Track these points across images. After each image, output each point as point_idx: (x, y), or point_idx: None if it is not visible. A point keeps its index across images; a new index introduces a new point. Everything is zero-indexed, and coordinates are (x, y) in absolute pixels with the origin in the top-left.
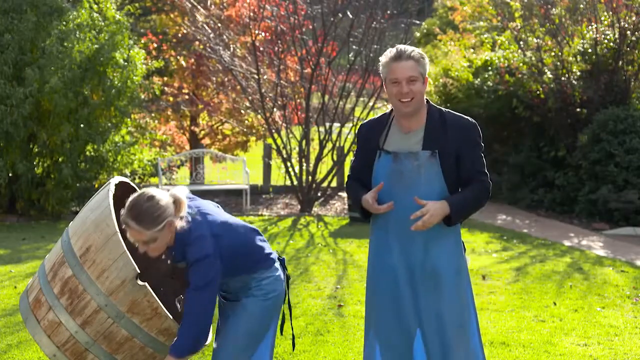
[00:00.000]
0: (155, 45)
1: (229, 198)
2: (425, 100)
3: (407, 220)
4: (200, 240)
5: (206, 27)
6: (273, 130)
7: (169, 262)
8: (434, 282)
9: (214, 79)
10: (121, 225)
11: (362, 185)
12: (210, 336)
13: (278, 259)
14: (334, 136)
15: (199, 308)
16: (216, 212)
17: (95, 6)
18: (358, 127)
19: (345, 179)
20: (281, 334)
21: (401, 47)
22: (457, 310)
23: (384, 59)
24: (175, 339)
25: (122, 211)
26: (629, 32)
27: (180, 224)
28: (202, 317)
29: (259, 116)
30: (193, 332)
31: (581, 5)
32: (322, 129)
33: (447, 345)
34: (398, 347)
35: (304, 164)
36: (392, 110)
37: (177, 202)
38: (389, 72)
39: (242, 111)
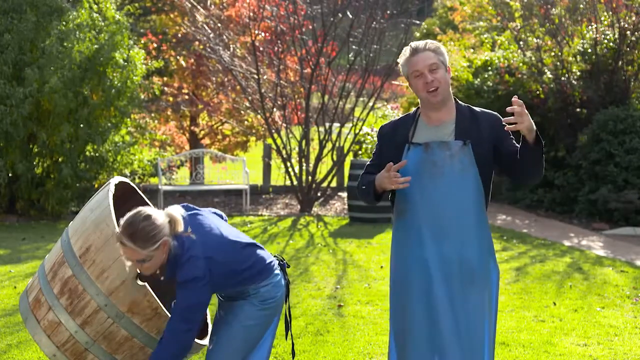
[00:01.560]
0: (155, 45)
1: (229, 198)
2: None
3: (438, 210)
4: (192, 262)
5: (206, 27)
6: (273, 130)
7: (162, 278)
8: (470, 277)
9: (214, 79)
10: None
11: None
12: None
13: (279, 263)
14: (334, 136)
15: (170, 334)
16: (215, 226)
17: (95, 6)
18: (378, 128)
19: (346, 179)
20: (285, 339)
21: (416, 42)
22: (483, 313)
23: (402, 58)
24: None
25: (118, 228)
26: (628, 32)
27: (174, 243)
28: (171, 344)
29: (259, 116)
30: (162, 356)
31: (581, 5)
32: (322, 129)
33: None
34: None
35: (304, 164)
36: (417, 108)
37: (172, 222)
38: (410, 67)
39: (242, 111)
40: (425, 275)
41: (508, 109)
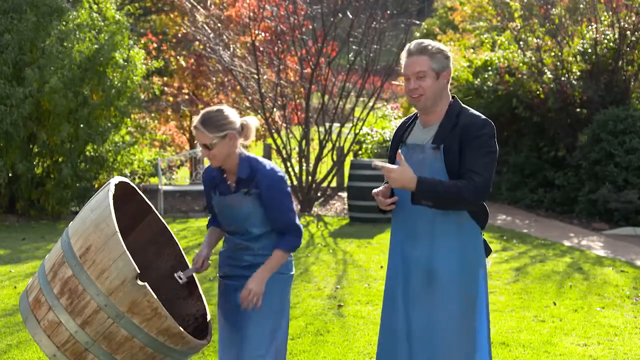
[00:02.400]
0: (155, 45)
1: None
2: (452, 97)
3: (410, 213)
4: (275, 166)
5: (206, 27)
6: (273, 131)
7: (230, 183)
8: (427, 280)
9: (214, 79)
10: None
11: None
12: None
13: None
14: (334, 136)
15: (295, 229)
16: None
17: (95, 6)
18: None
19: (346, 179)
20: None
21: (416, 42)
22: (453, 317)
23: (402, 55)
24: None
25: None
26: (628, 32)
27: (244, 150)
28: (298, 238)
29: (259, 116)
30: (295, 243)
31: (581, 5)
32: (322, 129)
33: (435, 355)
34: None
35: (304, 164)
36: None
37: (245, 127)
38: (402, 68)
39: (242, 111)
40: (396, 276)
41: (373, 164)
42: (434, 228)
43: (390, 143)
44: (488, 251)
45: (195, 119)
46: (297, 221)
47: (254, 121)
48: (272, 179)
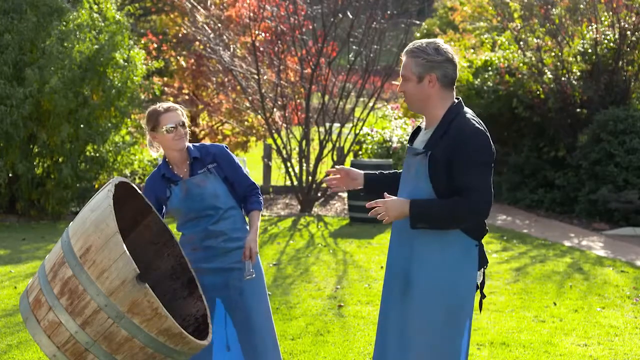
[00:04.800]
0: (155, 45)
1: None
2: (453, 101)
3: (404, 219)
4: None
5: (206, 28)
6: (273, 131)
7: (181, 172)
8: (404, 288)
9: (214, 79)
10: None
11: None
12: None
13: None
14: (334, 136)
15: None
16: None
17: (95, 6)
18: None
19: None
20: None
21: (415, 42)
22: (424, 331)
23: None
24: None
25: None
26: (629, 33)
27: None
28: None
29: (259, 116)
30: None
31: (581, 6)
32: (322, 129)
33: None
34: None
35: (304, 164)
36: None
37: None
38: None
39: (242, 111)
40: (386, 285)
41: (367, 204)
42: (415, 239)
43: None
44: (483, 262)
45: (165, 105)
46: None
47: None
48: (223, 149)
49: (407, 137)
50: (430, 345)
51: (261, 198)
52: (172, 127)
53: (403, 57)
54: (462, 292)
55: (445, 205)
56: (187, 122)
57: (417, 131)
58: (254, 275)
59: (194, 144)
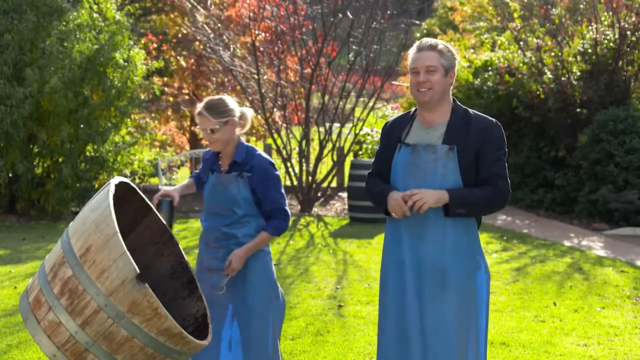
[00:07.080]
0: (155, 45)
1: None
2: (452, 99)
3: (417, 213)
4: (266, 155)
5: (206, 28)
6: (273, 131)
7: (224, 168)
8: (440, 279)
9: (214, 79)
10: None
11: (383, 181)
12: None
13: None
14: (334, 136)
15: (283, 214)
16: None
17: (95, 6)
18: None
19: (346, 180)
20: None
21: (426, 39)
22: (459, 316)
23: (410, 51)
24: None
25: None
26: (629, 33)
27: (242, 137)
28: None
29: (259, 116)
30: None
31: (581, 6)
32: (322, 129)
33: (447, 351)
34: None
35: (304, 164)
36: (415, 108)
37: (244, 116)
38: (411, 63)
39: None
40: (401, 276)
41: (401, 194)
42: (445, 230)
43: (380, 141)
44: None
45: (200, 106)
46: (286, 206)
47: (250, 111)
48: (266, 165)
49: None
50: (465, 331)
51: (283, 224)
52: (204, 133)
53: (421, 52)
54: (485, 280)
55: (482, 193)
56: (219, 126)
57: (398, 129)
58: (223, 291)
59: (249, 145)
